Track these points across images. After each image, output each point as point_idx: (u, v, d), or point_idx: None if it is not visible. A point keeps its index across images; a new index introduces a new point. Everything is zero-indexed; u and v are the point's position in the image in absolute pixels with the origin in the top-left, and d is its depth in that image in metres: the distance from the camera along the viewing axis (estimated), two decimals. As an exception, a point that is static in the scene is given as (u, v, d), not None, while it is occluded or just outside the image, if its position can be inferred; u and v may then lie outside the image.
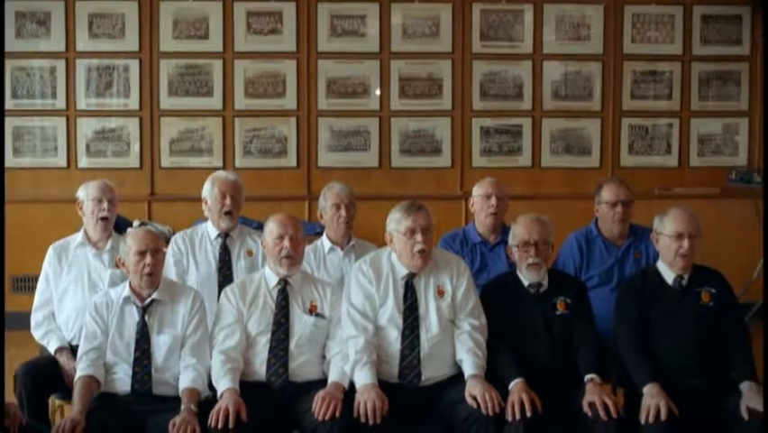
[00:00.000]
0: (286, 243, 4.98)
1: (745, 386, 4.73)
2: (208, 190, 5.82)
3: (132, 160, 8.87)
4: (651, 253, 5.61)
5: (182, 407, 4.56)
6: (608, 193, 5.99)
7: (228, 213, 5.76)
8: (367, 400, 4.58)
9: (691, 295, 5.00)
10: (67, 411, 4.94)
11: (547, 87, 9.19)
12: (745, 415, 4.60)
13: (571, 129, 9.22)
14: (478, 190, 6.11)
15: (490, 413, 4.56)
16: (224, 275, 5.69)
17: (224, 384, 4.66)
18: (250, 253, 5.79)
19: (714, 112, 9.41)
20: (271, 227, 5.06)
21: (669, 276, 5.04)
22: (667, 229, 5.02)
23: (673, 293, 5.01)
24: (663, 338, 4.91)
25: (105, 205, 5.69)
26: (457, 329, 4.94)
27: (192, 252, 5.77)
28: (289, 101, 8.98)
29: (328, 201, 5.80)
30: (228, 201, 5.75)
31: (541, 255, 5.05)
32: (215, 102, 8.91)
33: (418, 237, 4.89)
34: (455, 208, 8.56)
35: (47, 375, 5.18)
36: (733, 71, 9.44)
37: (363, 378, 4.70)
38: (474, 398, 4.63)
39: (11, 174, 8.24)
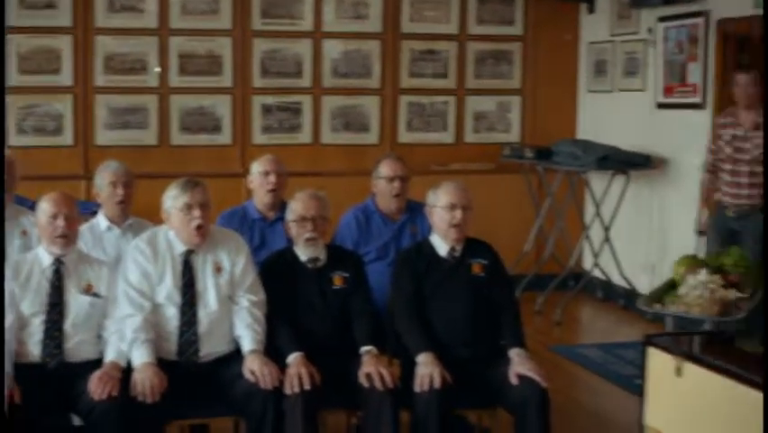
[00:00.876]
0: (60, 222, 4.87)
1: (513, 353, 4.93)
2: (-21, 169, 5.64)
3: None
4: (426, 229, 5.72)
5: (-51, 393, 4.42)
6: (385, 169, 6.09)
7: None
8: (144, 378, 4.56)
9: (464, 267, 5.15)
10: None
11: (327, 64, 9.27)
12: (513, 380, 4.78)
13: (351, 106, 9.34)
14: (257, 168, 6.11)
15: (269, 387, 4.61)
16: (-3, 256, 5.53)
17: (-5, 367, 4.54)
18: (24, 234, 5.63)
19: (488, 90, 9.69)
20: (44, 207, 4.93)
21: (442, 248, 5.18)
22: (440, 201, 5.15)
23: (446, 265, 5.14)
24: (437, 309, 5.05)
25: None
26: (236, 305, 4.95)
27: (-38, 233, 5.59)
28: (65, 77, 8.76)
29: (104, 180, 5.69)
30: None
31: (318, 230, 5.11)
32: (-13, 78, 8.62)
33: (195, 213, 4.87)
34: (236, 186, 8.51)
35: None
36: (506, 51, 9.74)
37: (140, 357, 4.67)
38: (253, 373, 4.67)
39: None
